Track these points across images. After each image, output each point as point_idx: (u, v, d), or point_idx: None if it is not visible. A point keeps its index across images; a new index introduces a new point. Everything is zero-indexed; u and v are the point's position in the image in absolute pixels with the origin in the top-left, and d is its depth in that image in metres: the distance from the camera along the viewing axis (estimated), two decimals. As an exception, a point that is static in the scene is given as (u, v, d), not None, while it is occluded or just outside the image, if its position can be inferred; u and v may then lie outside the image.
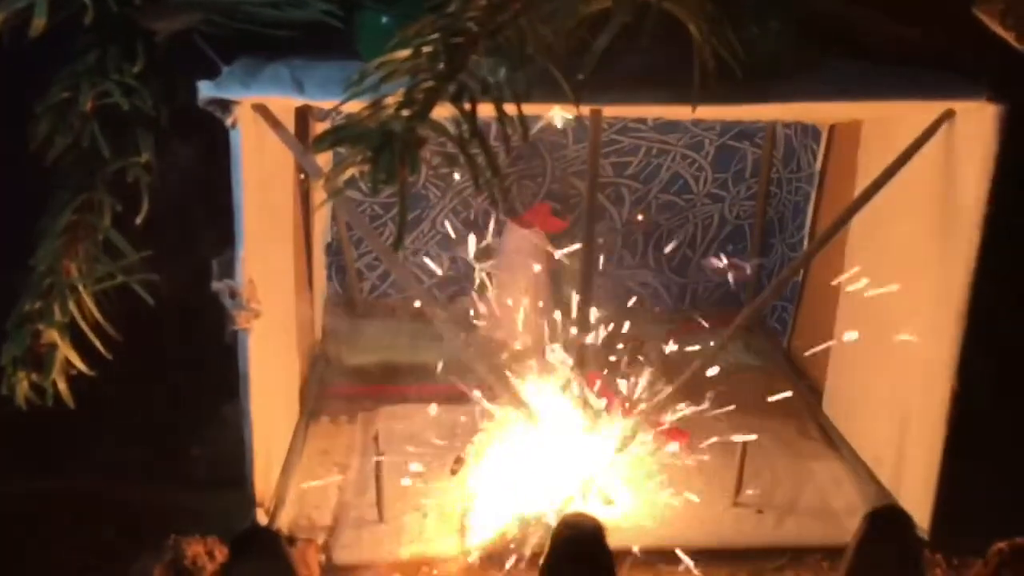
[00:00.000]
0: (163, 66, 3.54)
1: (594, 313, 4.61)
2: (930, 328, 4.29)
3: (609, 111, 4.26)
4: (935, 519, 4.28)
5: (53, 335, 3.32)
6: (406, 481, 4.74)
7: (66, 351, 3.36)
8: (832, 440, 5.34)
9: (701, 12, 3.16)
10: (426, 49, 2.96)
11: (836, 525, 4.50)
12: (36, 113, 3.40)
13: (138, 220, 3.46)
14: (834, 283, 5.24)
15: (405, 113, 2.78)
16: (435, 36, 2.98)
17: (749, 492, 4.76)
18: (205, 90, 3.61)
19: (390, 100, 2.82)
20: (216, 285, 3.86)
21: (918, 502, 4.29)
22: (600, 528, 3.04)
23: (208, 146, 3.76)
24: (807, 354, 5.72)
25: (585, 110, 3.75)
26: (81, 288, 3.37)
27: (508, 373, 4.89)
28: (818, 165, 6.00)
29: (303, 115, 4.89)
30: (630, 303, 5.96)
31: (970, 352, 4.14)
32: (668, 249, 6.69)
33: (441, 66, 2.90)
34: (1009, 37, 3.55)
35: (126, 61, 3.45)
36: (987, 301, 4.10)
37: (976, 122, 3.94)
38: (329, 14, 3.60)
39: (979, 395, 4.22)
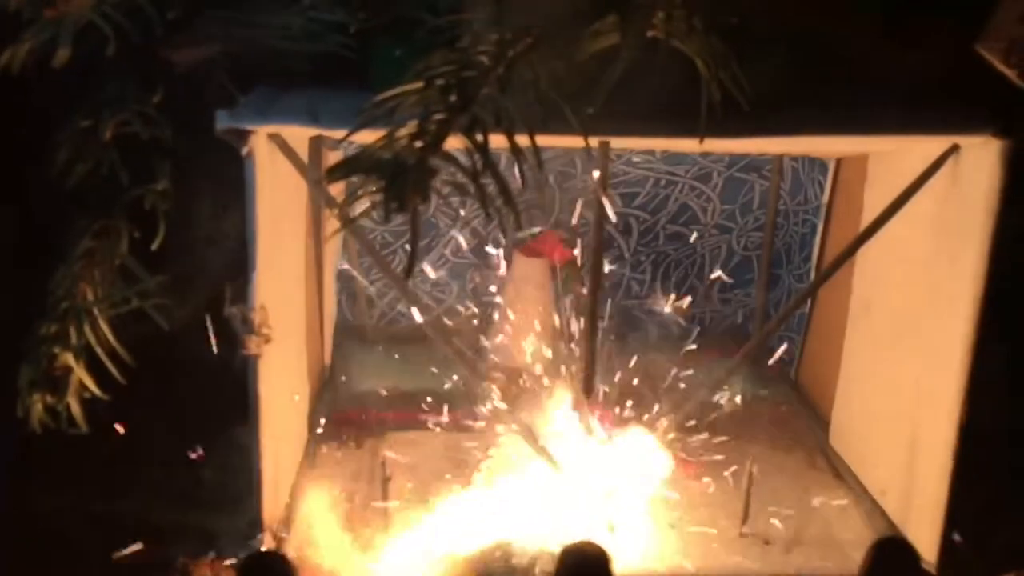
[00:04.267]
0: (182, 96, 3.62)
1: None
2: (937, 360, 4.30)
3: (617, 143, 4.32)
4: (942, 552, 4.27)
5: (68, 358, 3.37)
6: (413, 507, 4.75)
7: (81, 374, 3.40)
8: (839, 471, 5.33)
9: (708, 48, 3.22)
10: (438, 82, 3.02)
11: (842, 557, 4.49)
12: (58, 141, 3.48)
13: (154, 246, 3.52)
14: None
15: (418, 144, 2.84)
16: (447, 69, 3.05)
17: (755, 523, 4.75)
18: (222, 120, 3.68)
19: (403, 131, 2.88)
20: (229, 310, 3.91)
21: (925, 535, 4.28)
22: (606, 556, 3.06)
23: (224, 174, 3.83)
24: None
25: (594, 142, 3.80)
26: (96, 312, 3.42)
27: (517, 402, 4.93)
28: (825, 198, 6.05)
29: (317, 145, 4.96)
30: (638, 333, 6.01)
31: (977, 384, 4.15)
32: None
33: (453, 98, 2.96)
34: (1011, 75, 3.60)
35: (146, 91, 3.53)
36: (993, 334, 4.11)
37: (981, 157, 3.98)
38: (344, 47, 3.68)
39: (987, 427, 4.21)
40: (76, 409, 3.40)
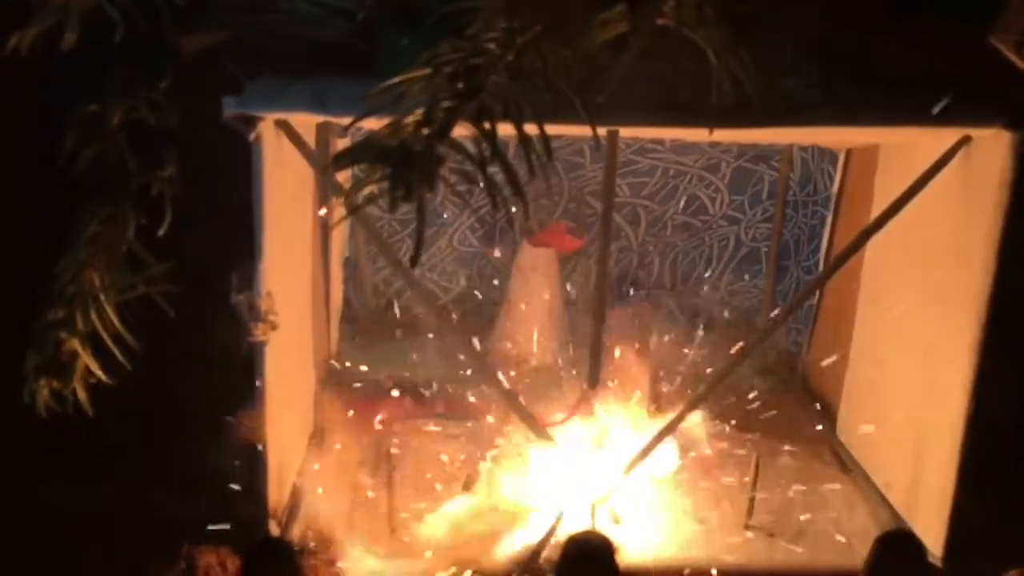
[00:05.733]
0: (189, 82, 3.61)
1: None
2: (945, 353, 4.29)
3: (626, 132, 4.30)
4: (948, 545, 4.26)
5: (75, 344, 3.37)
6: (418, 496, 4.76)
7: (87, 360, 3.40)
8: (845, 464, 5.32)
9: (718, 37, 3.20)
10: (446, 69, 3.00)
11: (848, 550, 4.49)
12: (65, 127, 3.47)
13: (160, 232, 3.52)
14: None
15: (425, 132, 2.82)
16: (454, 57, 3.03)
17: (761, 514, 4.75)
18: (230, 106, 3.68)
19: (410, 119, 2.86)
20: (235, 297, 3.91)
21: (931, 528, 4.28)
22: (610, 546, 3.06)
23: (231, 161, 3.82)
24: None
25: (602, 130, 3.78)
26: (103, 298, 3.42)
27: (521, 391, 4.93)
28: (835, 189, 6.02)
29: (324, 132, 4.95)
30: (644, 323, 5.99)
31: (985, 378, 4.13)
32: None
33: (460, 86, 2.95)
34: (1023, 67, 3.57)
35: (154, 77, 3.53)
36: (1002, 327, 4.09)
37: (993, 149, 3.95)
38: (351, 34, 3.67)
39: (994, 420, 4.20)
40: (82, 395, 3.41)
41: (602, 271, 4.44)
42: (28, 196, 3.84)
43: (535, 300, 6.19)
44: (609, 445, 4.73)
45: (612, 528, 4.45)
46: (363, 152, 2.85)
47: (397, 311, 6.67)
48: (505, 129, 2.95)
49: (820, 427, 5.61)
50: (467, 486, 4.84)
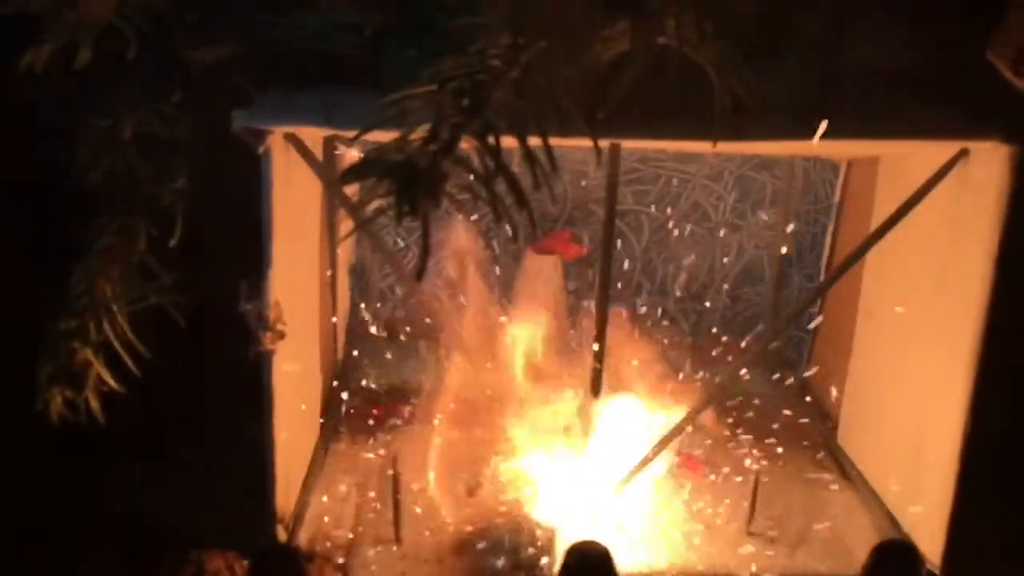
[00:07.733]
0: (199, 96, 3.67)
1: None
2: (944, 362, 4.32)
3: (628, 144, 4.35)
4: (947, 553, 4.30)
5: (87, 353, 3.44)
6: (423, 501, 4.81)
7: (99, 369, 3.47)
8: (846, 471, 5.36)
9: (718, 56, 3.24)
10: (451, 85, 3.06)
11: (848, 556, 4.53)
12: (78, 140, 3.54)
13: (172, 243, 3.58)
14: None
15: (431, 148, 2.87)
16: (459, 72, 3.09)
17: (761, 521, 4.79)
18: (239, 119, 3.74)
19: (416, 135, 2.92)
20: (244, 307, 3.97)
21: (931, 535, 4.32)
22: (608, 555, 3.10)
23: (240, 173, 3.88)
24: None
25: (604, 143, 3.83)
26: (115, 308, 3.49)
27: (525, 398, 4.97)
28: (836, 198, 6.07)
29: (332, 145, 5.01)
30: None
31: (984, 388, 4.17)
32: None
33: (465, 102, 3.00)
34: (1019, 84, 3.61)
35: (165, 91, 3.59)
36: (1001, 336, 4.13)
37: (990, 162, 3.99)
38: (359, 48, 3.72)
39: (993, 429, 4.23)
40: (95, 404, 3.47)
41: (604, 281, 4.48)
42: (42, 208, 3.90)
43: (539, 307, 6.22)
44: (611, 452, 4.77)
45: (614, 535, 4.50)
46: (369, 168, 2.89)
47: (403, 318, 6.72)
48: (510, 140, 3.00)
49: (821, 434, 5.64)
50: (471, 492, 4.89)
